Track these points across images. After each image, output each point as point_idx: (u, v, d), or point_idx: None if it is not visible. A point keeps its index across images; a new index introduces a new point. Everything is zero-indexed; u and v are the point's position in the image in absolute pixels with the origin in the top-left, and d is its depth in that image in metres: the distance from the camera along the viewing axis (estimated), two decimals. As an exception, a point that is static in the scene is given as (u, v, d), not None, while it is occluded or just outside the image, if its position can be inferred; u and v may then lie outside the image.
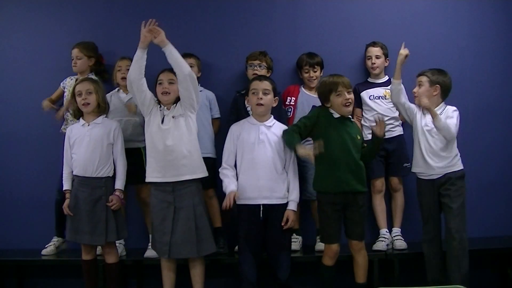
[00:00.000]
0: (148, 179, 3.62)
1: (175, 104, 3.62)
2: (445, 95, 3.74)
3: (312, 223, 4.11)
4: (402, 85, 3.77)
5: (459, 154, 3.71)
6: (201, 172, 3.62)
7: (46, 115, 4.17)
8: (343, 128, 3.60)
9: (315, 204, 3.85)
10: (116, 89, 4.13)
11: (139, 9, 4.34)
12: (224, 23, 4.38)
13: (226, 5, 4.38)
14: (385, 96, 4.10)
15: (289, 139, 3.54)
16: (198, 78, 4.04)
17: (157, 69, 3.66)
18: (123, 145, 3.76)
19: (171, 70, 3.58)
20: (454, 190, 3.64)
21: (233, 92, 4.14)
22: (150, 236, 3.84)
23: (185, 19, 4.36)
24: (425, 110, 3.70)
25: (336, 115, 3.61)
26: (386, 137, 3.95)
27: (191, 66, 3.96)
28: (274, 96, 3.70)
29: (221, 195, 3.71)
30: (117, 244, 3.87)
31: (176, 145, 3.53)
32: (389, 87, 3.93)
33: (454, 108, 3.71)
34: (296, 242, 4.02)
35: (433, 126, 3.64)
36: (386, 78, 4.17)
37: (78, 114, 3.76)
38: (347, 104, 3.58)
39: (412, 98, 3.82)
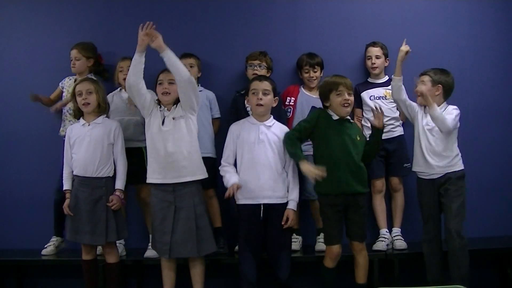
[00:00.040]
0: (148, 180, 3.61)
1: (175, 105, 3.61)
2: (448, 95, 3.74)
3: (312, 223, 4.11)
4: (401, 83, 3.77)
5: (460, 154, 3.72)
6: (201, 173, 3.62)
7: (46, 115, 4.19)
8: (343, 129, 3.61)
9: (315, 204, 3.86)
10: (118, 89, 4.13)
11: (139, 9, 4.34)
12: (224, 23, 4.37)
13: (226, 5, 4.38)
14: (386, 96, 4.10)
15: (292, 152, 3.56)
16: (198, 78, 4.06)
17: (157, 69, 3.65)
18: (124, 145, 3.76)
19: (171, 70, 3.58)
20: (454, 190, 3.64)
21: (233, 92, 4.13)
22: (150, 236, 3.84)
23: (185, 19, 4.35)
24: (422, 101, 3.69)
25: (335, 117, 3.62)
26: (387, 137, 3.95)
27: (191, 66, 3.98)
28: (274, 96, 3.70)
29: (221, 195, 3.71)
30: (117, 244, 3.86)
31: (176, 146, 3.53)
32: (389, 87, 3.93)
33: (455, 106, 3.72)
34: (296, 242, 4.02)
35: (434, 125, 3.64)
36: (386, 78, 4.17)
37: (79, 114, 3.76)
38: (345, 105, 3.58)
39: (412, 98, 3.81)
